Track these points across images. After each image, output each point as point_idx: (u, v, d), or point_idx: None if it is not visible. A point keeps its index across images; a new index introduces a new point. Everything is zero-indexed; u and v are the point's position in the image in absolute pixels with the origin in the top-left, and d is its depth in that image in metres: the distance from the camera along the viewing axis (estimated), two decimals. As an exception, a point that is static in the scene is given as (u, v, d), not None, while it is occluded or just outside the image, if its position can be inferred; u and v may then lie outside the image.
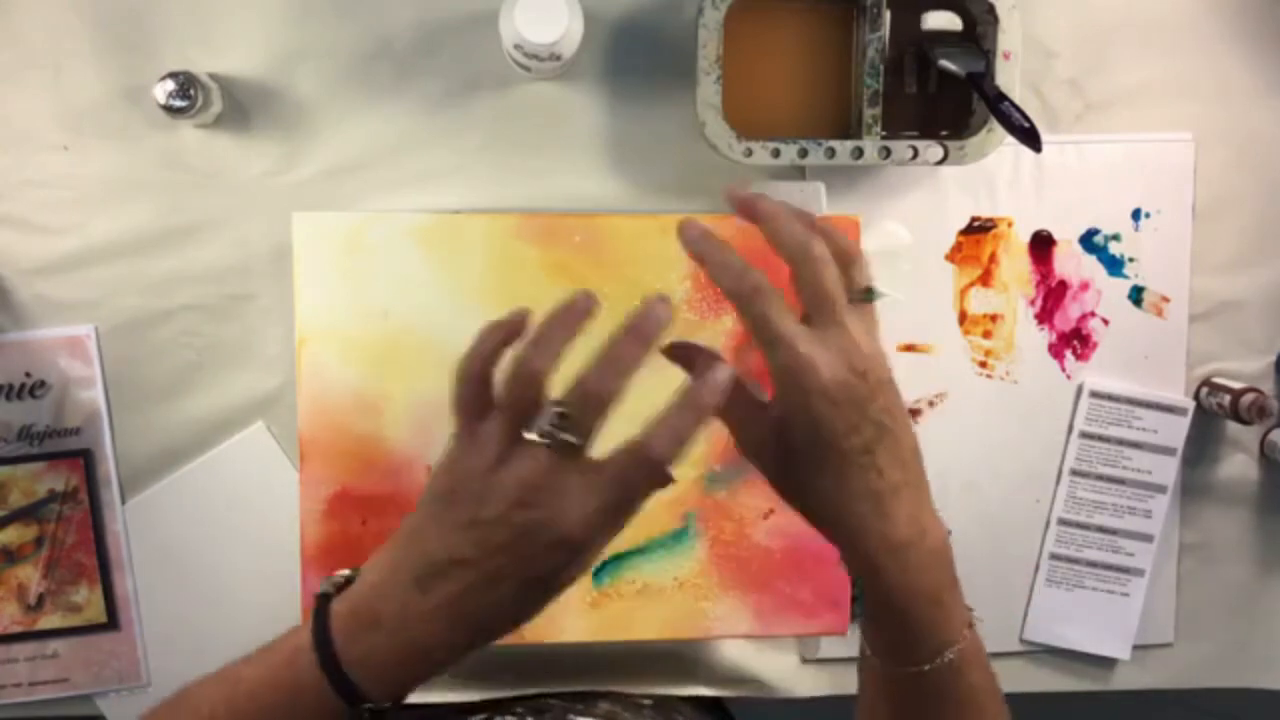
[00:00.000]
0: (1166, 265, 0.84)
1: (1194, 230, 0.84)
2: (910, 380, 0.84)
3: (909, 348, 0.84)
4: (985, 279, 0.84)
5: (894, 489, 0.49)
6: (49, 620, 0.79)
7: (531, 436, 0.47)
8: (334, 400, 0.74)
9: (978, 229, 0.83)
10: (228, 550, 0.80)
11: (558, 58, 0.70)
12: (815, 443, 0.49)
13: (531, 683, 0.80)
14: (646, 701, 0.81)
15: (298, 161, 0.78)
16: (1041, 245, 0.84)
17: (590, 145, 0.80)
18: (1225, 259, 0.85)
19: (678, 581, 0.78)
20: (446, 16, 0.78)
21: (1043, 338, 0.84)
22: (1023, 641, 0.86)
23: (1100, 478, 0.85)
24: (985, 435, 0.84)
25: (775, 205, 0.52)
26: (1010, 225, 0.83)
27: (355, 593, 0.50)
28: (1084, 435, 0.85)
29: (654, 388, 0.49)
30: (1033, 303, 0.84)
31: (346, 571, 0.52)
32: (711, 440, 0.77)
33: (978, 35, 0.77)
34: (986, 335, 0.84)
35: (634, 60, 0.79)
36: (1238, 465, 0.87)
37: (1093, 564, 0.86)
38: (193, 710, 0.50)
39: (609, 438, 0.49)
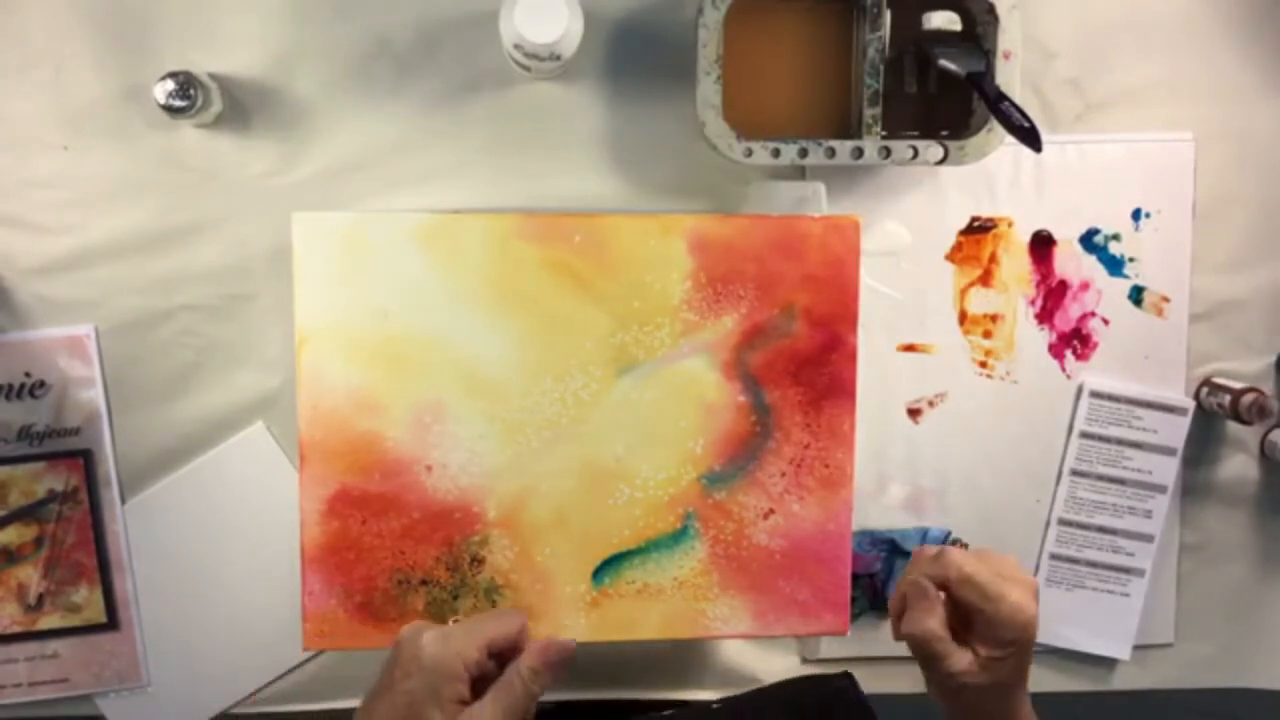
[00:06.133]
0: (1166, 265, 0.84)
1: (1194, 230, 0.84)
2: (910, 380, 0.84)
3: (909, 348, 0.84)
4: (985, 279, 0.84)
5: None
6: (49, 620, 0.79)
7: None
8: (334, 400, 0.74)
9: (978, 229, 0.83)
10: (228, 550, 0.80)
11: (558, 58, 0.70)
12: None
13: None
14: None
15: (298, 161, 0.78)
16: (1041, 245, 0.84)
17: (590, 145, 0.80)
18: (1225, 259, 0.85)
19: (678, 581, 0.78)
20: (446, 16, 0.78)
21: (1043, 338, 0.84)
22: (1023, 641, 0.86)
23: (1100, 478, 0.85)
24: (985, 435, 0.84)
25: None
26: (1010, 225, 0.83)
27: None
28: (1084, 435, 0.85)
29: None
30: (1033, 303, 0.84)
31: None
32: (711, 440, 0.77)
33: (978, 35, 0.77)
34: (986, 335, 0.84)
35: (634, 60, 0.79)
36: (1238, 465, 0.87)
37: (1093, 564, 0.86)
38: None
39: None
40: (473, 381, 0.75)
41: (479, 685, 0.57)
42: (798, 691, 0.77)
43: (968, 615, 0.64)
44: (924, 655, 0.65)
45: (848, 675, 0.77)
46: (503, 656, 0.59)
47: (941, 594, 0.65)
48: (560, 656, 0.59)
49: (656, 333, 0.76)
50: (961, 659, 0.63)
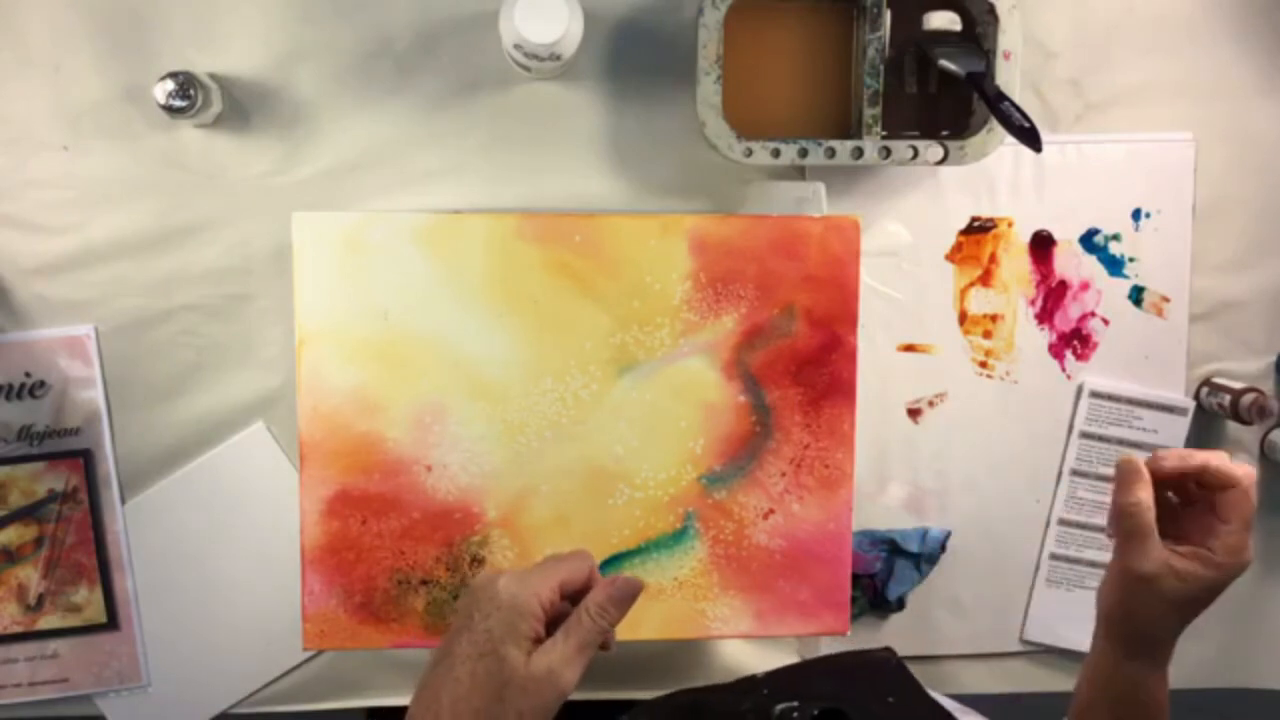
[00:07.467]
0: (1166, 265, 0.84)
1: (1194, 230, 0.84)
2: (910, 380, 0.84)
3: (909, 348, 0.84)
4: (985, 279, 0.84)
5: None
6: (49, 620, 0.79)
7: None
8: (334, 400, 0.74)
9: (978, 229, 0.83)
10: (228, 550, 0.80)
11: (558, 58, 0.70)
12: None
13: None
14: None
15: (298, 161, 0.78)
16: (1041, 245, 0.84)
17: (590, 145, 0.80)
18: (1225, 259, 0.85)
19: (678, 581, 0.78)
20: (446, 16, 0.78)
21: (1043, 338, 0.84)
22: (1023, 641, 0.86)
23: (1100, 478, 0.85)
24: (985, 435, 0.84)
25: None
26: (1010, 225, 0.83)
27: None
28: (1084, 435, 0.85)
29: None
30: (1033, 303, 0.84)
31: None
32: (711, 440, 0.77)
33: (978, 35, 0.77)
34: (986, 335, 0.84)
35: (634, 60, 0.79)
36: (1238, 465, 0.87)
37: (1093, 564, 0.86)
38: None
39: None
40: (473, 381, 0.75)
41: (552, 624, 0.59)
42: (841, 663, 0.78)
43: (1198, 513, 0.67)
44: (1130, 529, 0.66)
45: (889, 649, 0.78)
46: (574, 597, 0.61)
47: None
48: (625, 592, 0.60)
49: (656, 333, 0.76)
50: (1159, 546, 0.65)
